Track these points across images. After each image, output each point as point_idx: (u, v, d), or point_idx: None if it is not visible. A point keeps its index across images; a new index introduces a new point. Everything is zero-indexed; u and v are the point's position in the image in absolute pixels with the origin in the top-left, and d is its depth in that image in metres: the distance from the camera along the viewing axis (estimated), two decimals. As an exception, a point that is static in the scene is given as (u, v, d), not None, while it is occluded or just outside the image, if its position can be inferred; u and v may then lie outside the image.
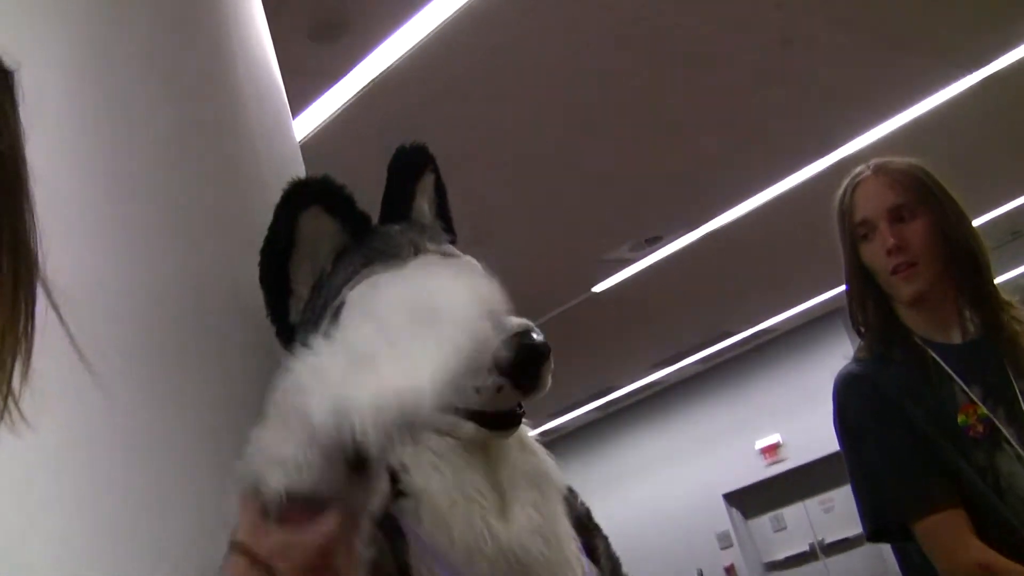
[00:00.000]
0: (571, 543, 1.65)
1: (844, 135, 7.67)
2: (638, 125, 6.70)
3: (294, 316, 1.67)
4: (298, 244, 1.65)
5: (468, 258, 1.72)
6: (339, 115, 5.58)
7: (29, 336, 0.92)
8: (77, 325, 1.72)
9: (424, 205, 1.82)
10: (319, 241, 1.66)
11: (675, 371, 14.24)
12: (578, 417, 14.97)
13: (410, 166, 1.82)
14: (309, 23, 4.81)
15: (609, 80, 6.07)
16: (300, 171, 2.16)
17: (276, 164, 2.08)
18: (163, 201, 1.86)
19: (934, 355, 2.17)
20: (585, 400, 14.00)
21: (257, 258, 1.82)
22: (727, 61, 6.19)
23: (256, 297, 1.83)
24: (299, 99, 2.23)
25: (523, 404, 1.62)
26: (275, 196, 1.97)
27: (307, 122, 5.45)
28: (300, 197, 1.65)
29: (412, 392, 0.94)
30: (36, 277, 0.94)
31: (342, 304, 1.60)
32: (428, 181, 1.84)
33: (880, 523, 2.16)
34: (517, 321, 1.56)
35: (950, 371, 2.14)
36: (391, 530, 1.50)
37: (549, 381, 1.58)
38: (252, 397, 1.78)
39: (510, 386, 1.53)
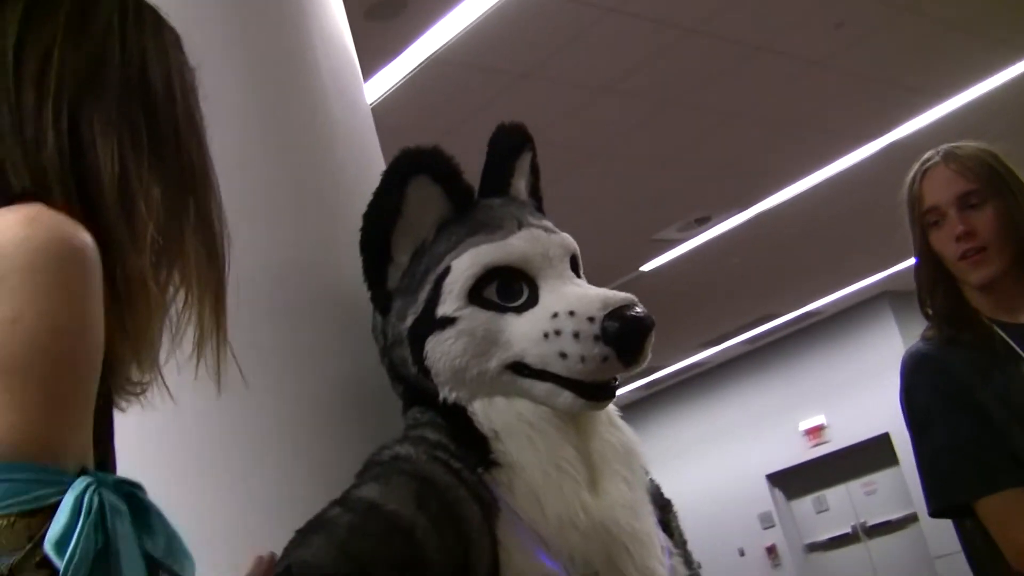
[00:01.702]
0: (652, 518, 1.68)
1: (895, 119, 7.64)
2: (689, 108, 6.71)
3: (392, 282, 1.69)
4: (404, 212, 1.66)
5: (565, 235, 1.74)
6: (394, 93, 5.62)
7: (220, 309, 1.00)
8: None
9: (520, 183, 1.84)
10: (424, 210, 1.68)
11: (721, 351, 14.22)
12: (623, 395, 14.91)
13: (510, 144, 1.84)
14: (366, 2, 4.84)
15: (662, 63, 6.08)
16: (374, 143, 2.18)
17: (351, 136, 2.11)
18: (241, 173, 1.89)
19: (1003, 335, 2.17)
20: (630, 379, 13.95)
21: (334, 228, 1.84)
22: (779, 45, 6.18)
23: (335, 272, 1.85)
24: (362, 70, 2.27)
25: (618, 378, 1.64)
26: (349, 164, 2.00)
27: (369, 93, 5.45)
28: (410, 165, 1.66)
29: None
30: (224, 257, 0.99)
31: (446, 271, 1.62)
32: (525, 160, 1.86)
33: (944, 501, 2.17)
34: (622, 295, 1.59)
35: (1019, 351, 2.15)
36: (483, 503, 1.53)
37: (649, 355, 1.61)
38: (332, 367, 1.82)
39: (615, 357, 1.56)
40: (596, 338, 1.55)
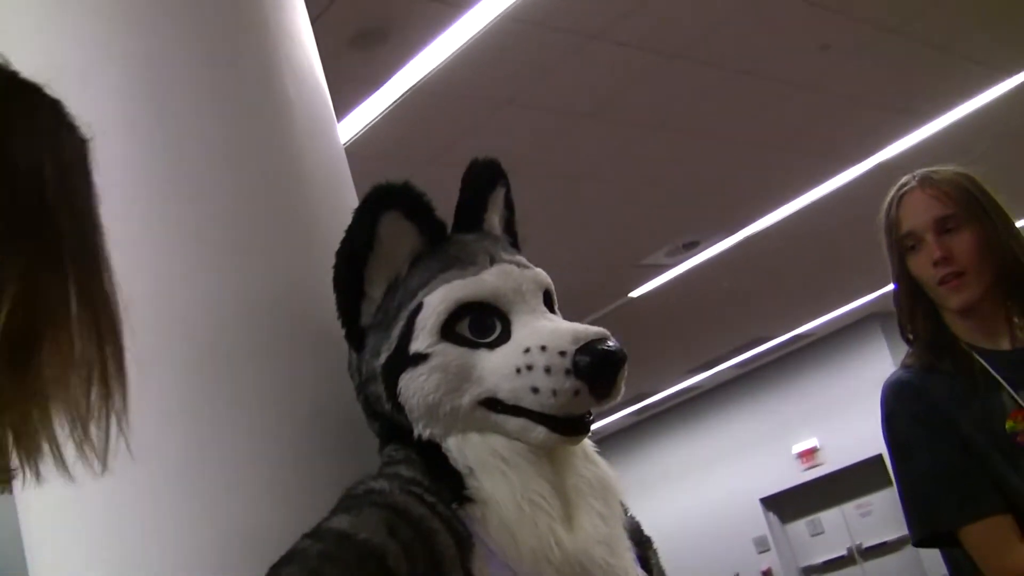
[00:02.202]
0: (629, 554, 1.67)
1: (882, 140, 7.67)
2: (674, 133, 6.72)
3: (365, 319, 1.68)
4: (376, 247, 1.65)
5: (538, 270, 1.74)
6: (379, 122, 5.62)
7: (120, 378, 0.95)
8: (137, 333, 1.76)
9: (495, 218, 1.83)
10: (397, 245, 1.67)
11: (711, 376, 14.23)
12: (614, 422, 14.97)
13: (483, 179, 1.83)
14: (350, 31, 4.85)
15: (645, 89, 6.10)
16: (347, 177, 2.18)
17: (323, 172, 2.10)
18: (213, 210, 1.89)
19: (983, 362, 2.17)
20: (621, 405, 13.99)
21: (305, 264, 1.83)
22: (763, 68, 6.20)
23: (306, 303, 1.85)
24: (340, 106, 2.26)
25: (592, 412, 1.64)
26: (322, 203, 1.99)
27: (348, 129, 5.50)
28: (381, 201, 1.65)
29: None
30: (118, 325, 0.96)
31: (419, 307, 1.61)
32: (499, 195, 1.85)
33: (927, 530, 2.16)
34: (594, 329, 1.58)
35: (999, 378, 2.14)
36: (460, 536, 1.52)
37: (623, 388, 1.60)
38: (307, 404, 1.81)
39: (587, 390, 1.55)
40: (568, 372, 1.54)
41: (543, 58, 5.54)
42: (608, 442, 15.12)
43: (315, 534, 1.48)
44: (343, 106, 5.26)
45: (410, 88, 5.43)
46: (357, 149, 5.54)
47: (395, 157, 5.65)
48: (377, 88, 5.39)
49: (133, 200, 1.85)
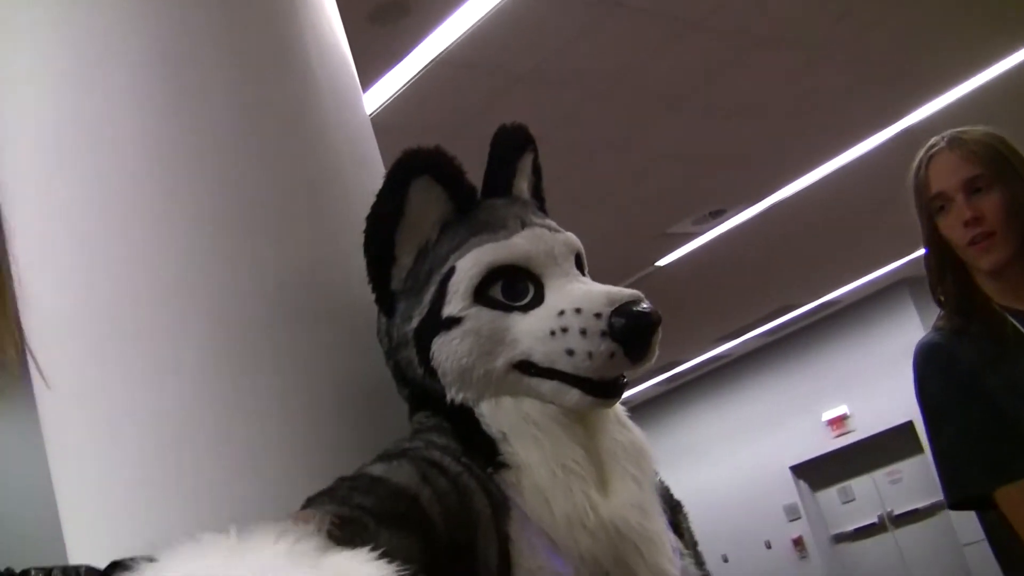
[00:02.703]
0: (662, 518, 1.67)
1: (907, 106, 7.61)
2: (699, 102, 6.69)
3: (395, 284, 1.68)
4: (406, 213, 1.65)
5: (569, 234, 1.73)
6: (401, 95, 5.62)
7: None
8: (155, 314, 1.77)
9: (523, 183, 1.83)
10: (427, 210, 1.66)
11: (740, 344, 14.21)
12: (643, 391, 14.98)
13: (512, 144, 1.83)
14: (370, 6, 4.84)
15: (669, 58, 6.07)
16: (373, 148, 2.18)
17: (349, 142, 2.10)
18: (238, 182, 1.89)
19: (1015, 323, 2.15)
20: (651, 374, 14.00)
21: (332, 234, 1.83)
22: (786, 35, 6.16)
23: (332, 273, 1.85)
24: (361, 80, 2.25)
25: (625, 375, 1.63)
26: (349, 173, 2.00)
27: (370, 103, 5.48)
28: (412, 166, 1.65)
29: None
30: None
31: (451, 271, 1.61)
32: (527, 161, 1.85)
33: (961, 493, 2.15)
34: (628, 291, 1.58)
35: None
36: (496, 500, 1.52)
37: (657, 351, 1.60)
38: (337, 371, 1.82)
39: (622, 353, 1.54)
40: (603, 334, 1.53)
41: (565, 30, 5.52)
42: (638, 411, 14.72)
43: (349, 477, 1.49)
44: (364, 80, 5.24)
45: (431, 61, 5.42)
46: (378, 123, 5.52)
47: (416, 131, 5.63)
48: (398, 61, 5.38)
49: (158, 173, 1.86)
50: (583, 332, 1.55)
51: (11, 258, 0.97)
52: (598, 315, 1.55)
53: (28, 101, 1.97)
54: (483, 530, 1.48)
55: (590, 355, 1.54)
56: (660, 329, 1.58)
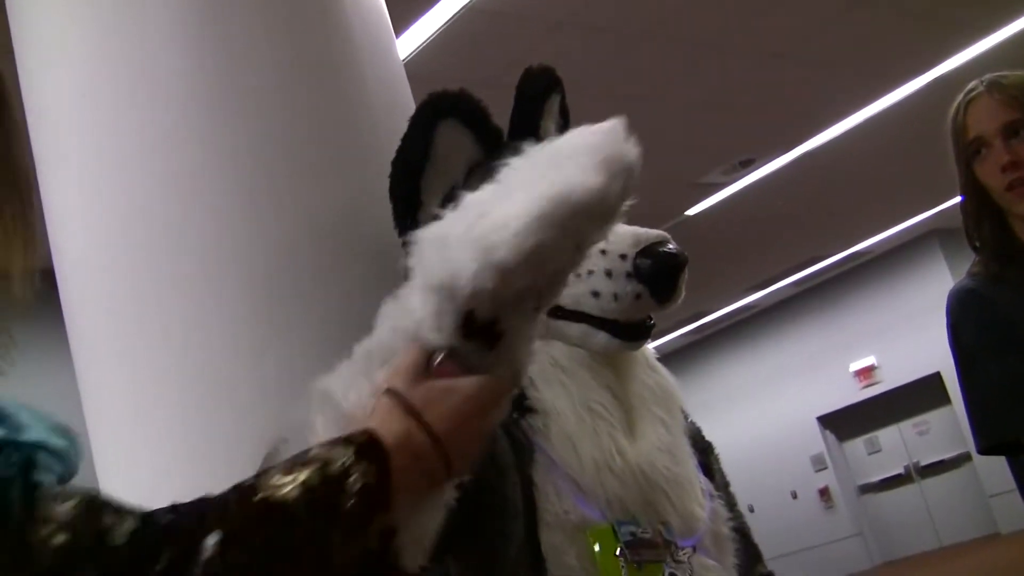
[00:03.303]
0: (692, 461, 1.67)
1: (939, 55, 7.52)
2: (730, 50, 6.64)
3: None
4: (432, 157, 1.64)
5: None
6: (433, 42, 5.59)
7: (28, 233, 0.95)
8: (197, 266, 1.78)
9: (550, 125, 1.82)
10: (453, 154, 1.66)
11: (769, 294, 14.17)
12: (671, 341, 14.97)
13: (539, 87, 1.82)
14: (405, -53, 4.81)
15: (701, 7, 6.01)
16: (407, 95, 2.17)
17: (383, 88, 2.10)
18: (274, 128, 1.89)
19: None
20: (679, 324, 13.99)
21: (367, 179, 1.83)
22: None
23: (365, 221, 1.85)
24: (398, 21, 2.24)
25: (653, 317, 1.63)
26: (383, 120, 1.99)
27: (407, 43, 5.48)
28: (438, 109, 1.64)
29: (497, 229, 0.96)
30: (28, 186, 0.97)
31: None
32: (554, 102, 1.84)
33: (993, 438, 2.14)
34: (654, 232, 1.57)
35: None
36: (520, 445, 1.53)
37: (683, 292, 1.59)
38: (368, 319, 1.83)
39: (648, 294, 1.54)
40: (628, 275, 1.53)
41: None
42: (666, 361, 14.64)
43: None
44: (396, 27, 5.21)
45: (464, 6, 5.38)
46: (410, 70, 5.51)
47: (448, 79, 5.57)
48: (429, 9, 5.35)
49: (194, 121, 1.87)
50: (608, 273, 1.54)
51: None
52: (623, 256, 1.54)
53: (70, 50, 1.98)
54: (506, 475, 1.49)
55: (616, 296, 1.54)
56: (686, 270, 1.58)
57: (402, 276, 1.73)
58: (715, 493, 1.72)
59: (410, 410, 1.03)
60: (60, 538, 0.85)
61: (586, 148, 1.02)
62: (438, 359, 1.06)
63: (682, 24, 6.16)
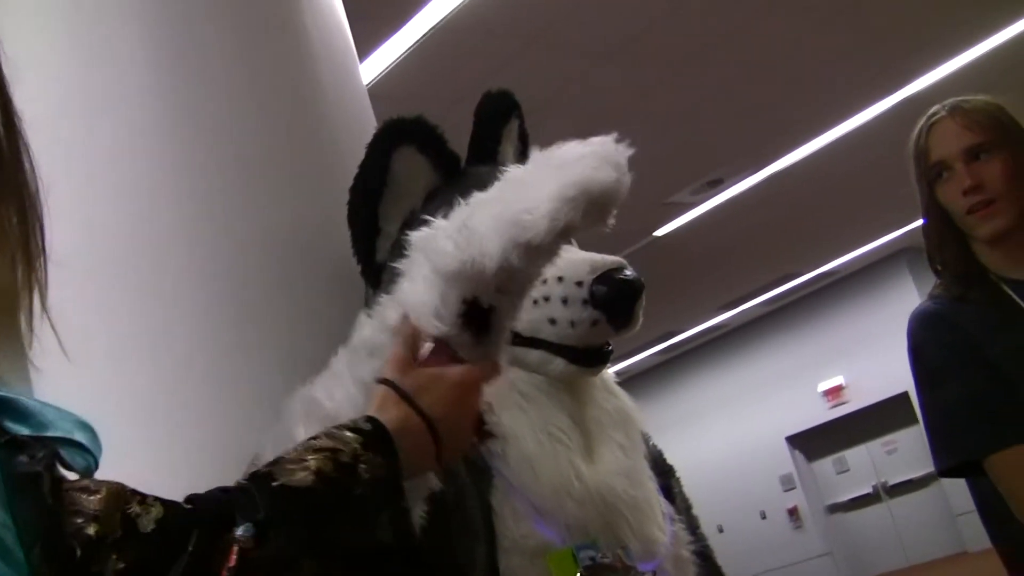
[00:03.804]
0: (652, 484, 1.67)
1: (908, 75, 7.58)
2: (699, 69, 6.66)
3: (381, 255, 1.68)
4: (390, 183, 1.65)
5: None
6: (402, 62, 5.59)
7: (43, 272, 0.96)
8: (155, 271, 1.77)
9: (509, 150, 1.82)
10: (411, 180, 1.66)
11: (738, 314, 14.22)
12: (641, 361, 14.99)
13: (497, 111, 1.82)
14: (370, -30, 4.81)
15: (669, 25, 6.03)
16: (369, 117, 2.17)
17: (345, 111, 2.10)
18: (234, 148, 1.89)
19: (1010, 292, 2.15)
20: (648, 344, 14.00)
21: (327, 202, 1.83)
22: (788, 4, 6.12)
23: (327, 240, 1.85)
24: (364, 45, 2.23)
25: (611, 343, 1.63)
26: (344, 142, 1.99)
27: (371, 69, 5.47)
28: (395, 136, 1.65)
29: (528, 212, 1.08)
30: (39, 218, 0.97)
31: None
32: (513, 127, 1.85)
33: (953, 458, 2.15)
34: (611, 258, 1.57)
35: None
36: (477, 469, 1.52)
37: (641, 318, 1.59)
38: (325, 339, 1.82)
39: (604, 320, 1.54)
40: (585, 302, 1.53)
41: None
42: (636, 381, 15.13)
43: None
44: (366, 46, 5.22)
45: (433, 27, 5.39)
46: (380, 90, 5.51)
47: (419, 98, 5.61)
48: (401, 27, 5.35)
49: (156, 140, 1.86)
50: (564, 300, 1.54)
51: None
52: (579, 283, 1.55)
53: (36, 67, 1.97)
54: (469, 496, 1.49)
55: (572, 323, 1.54)
56: (643, 296, 1.58)
57: (366, 305, 1.73)
58: (676, 517, 1.71)
59: (404, 397, 1.09)
60: (91, 529, 0.88)
61: (591, 152, 1.19)
62: (429, 348, 1.15)
63: (651, 44, 6.18)
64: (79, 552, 0.86)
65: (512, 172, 1.17)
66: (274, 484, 0.97)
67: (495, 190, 1.15)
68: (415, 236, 1.16)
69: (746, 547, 14.00)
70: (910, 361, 2.21)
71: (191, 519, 0.94)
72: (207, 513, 0.95)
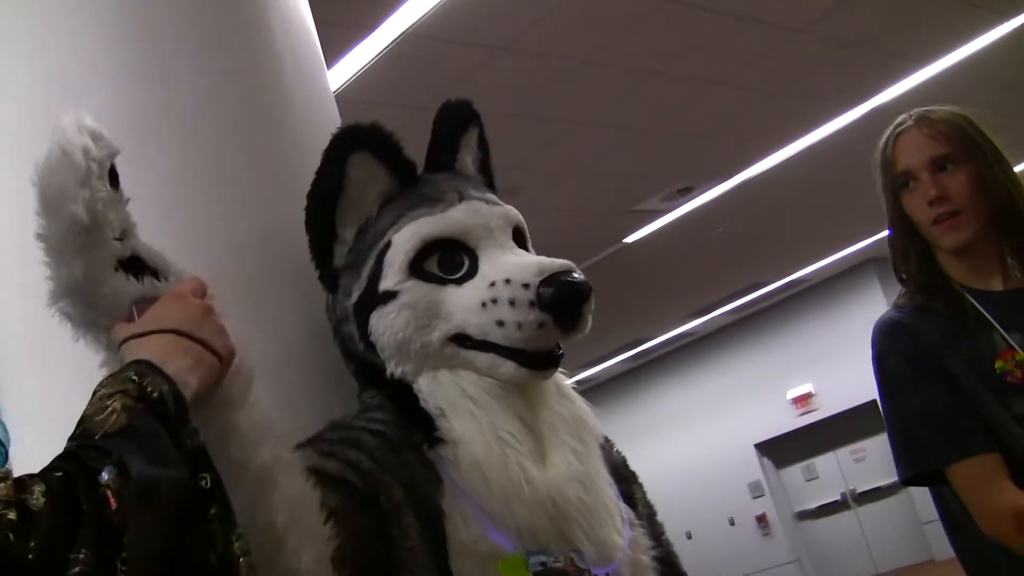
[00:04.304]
0: (609, 489, 1.66)
1: (876, 85, 7.64)
2: (669, 77, 6.68)
3: (338, 260, 1.69)
4: (346, 189, 1.66)
5: (509, 207, 1.73)
6: (371, 68, 5.58)
7: None
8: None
9: (467, 159, 1.83)
10: (366, 186, 1.67)
11: (707, 321, 14.27)
12: (610, 368, 15.02)
13: (455, 120, 1.83)
14: (340, -24, 4.80)
15: (641, 33, 6.05)
16: (336, 122, 2.16)
17: (311, 116, 2.09)
18: (200, 154, 1.88)
19: (974, 302, 2.16)
20: (617, 351, 14.03)
21: (292, 207, 1.83)
22: (759, 12, 6.16)
23: (291, 246, 1.85)
24: (331, 51, 2.22)
25: (561, 346, 1.63)
26: (310, 147, 1.99)
27: (339, 74, 5.46)
28: (350, 142, 1.66)
29: None
30: None
31: (387, 246, 1.62)
32: (472, 136, 1.85)
33: (915, 468, 2.16)
34: (559, 261, 1.58)
35: (990, 318, 2.14)
36: (429, 474, 1.52)
37: (590, 321, 1.60)
38: (289, 344, 1.81)
39: (551, 323, 1.55)
40: (531, 304, 1.54)
41: (539, 2, 5.49)
42: (604, 388, 15.19)
43: None
44: (333, 52, 5.21)
45: (403, 33, 5.38)
46: (349, 95, 5.50)
47: (386, 104, 5.61)
48: (369, 33, 5.34)
49: (118, 139, 1.85)
50: (512, 302, 1.55)
51: None
52: (526, 285, 1.55)
53: (2, 70, 1.97)
54: (394, 506, 1.49)
55: (519, 325, 1.55)
56: (592, 299, 1.59)
57: (326, 310, 1.73)
58: (636, 521, 1.71)
59: (141, 334, 1.26)
60: (10, 514, 0.92)
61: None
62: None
63: (621, 51, 6.19)
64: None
65: None
66: (97, 437, 1.03)
67: None
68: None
69: (715, 554, 14.04)
70: (874, 370, 2.22)
71: (68, 483, 0.98)
72: (78, 474, 0.99)
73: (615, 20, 5.86)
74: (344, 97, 2.31)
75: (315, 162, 1.80)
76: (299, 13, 2.25)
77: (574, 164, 7.50)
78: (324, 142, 2.02)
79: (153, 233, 1.79)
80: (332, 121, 2.16)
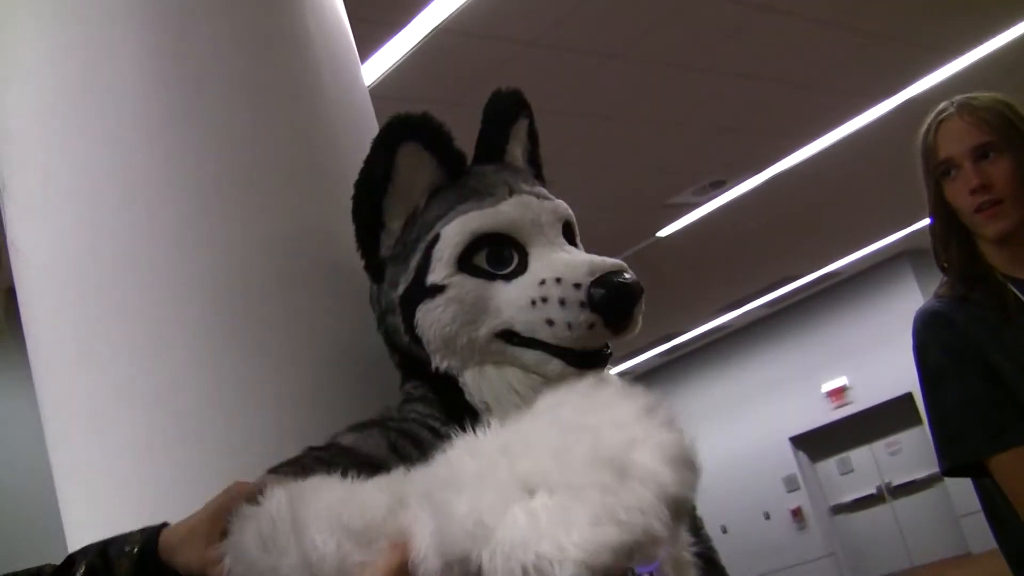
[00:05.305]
0: None
1: (909, 77, 7.59)
2: (701, 71, 6.66)
3: (384, 251, 1.68)
4: (394, 178, 1.64)
5: (559, 201, 1.72)
6: (402, 64, 5.58)
7: None
8: (157, 280, 1.77)
9: (517, 150, 1.81)
10: (415, 177, 1.65)
11: (740, 315, 14.22)
12: (643, 363, 14.99)
13: (505, 111, 1.81)
14: (372, -28, 4.81)
15: (672, 26, 6.03)
16: (371, 119, 2.16)
17: (347, 112, 2.09)
18: (235, 153, 1.88)
19: (1016, 292, 2.14)
20: (650, 345, 14.01)
21: (329, 203, 1.83)
22: (790, 4, 6.12)
23: (329, 240, 1.85)
24: (365, 46, 2.21)
25: (610, 345, 1.62)
26: (345, 144, 1.99)
27: (371, 71, 5.47)
28: (400, 131, 1.64)
29: (561, 556, 0.86)
30: None
31: (436, 238, 1.61)
32: (522, 126, 1.83)
33: (955, 459, 2.15)
34: (611, 261, 1.56)
35: None
36: None
37: (640, 322, 1.58)
38: (331, 337, 1.81)
39: (601, 323, 1.53)
40: (582, 304, 1.52)
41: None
42: (637, 382, 15.00)
43: (319, 447, 1.51)
44: (367, 47, 5.22)
45: (434, 29, 5.38)
46: (380, 92, 5.51)
47: (419, 99, 5.61)
48: (399, 30, 5.34)
49: (155, 141, 1.85)
50: (562, 302, 1.53)
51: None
52: (577, 285, 1.53)
53: (32, 68, 1.97)
54: None
55: (569, 326, 1.53)
56: (643, 300, 1.57)
57: (370, 301, 1.73)
58: None
59: None
60: None
61: (655, 479, 0.90)
62: None
63: (653, 44, 6.17)
64: None
65: (566, 450, 0.95)
66: None
67: (540, 477, 0.94)
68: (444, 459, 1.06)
69: (750, 548, 14.02)
70: (915, 360, 2.20)
71: None
72: None
73: (645, 14, 5.84)
74: (376, 94, 2.30)
75: (350, 157, 1.79)
76: (334, 8, 2.25)
77: (606, 158, 7.49)
78: (359, 138, 2.02)
79: (192, 234, 1.81)
80: (367, 117, 2.16)
